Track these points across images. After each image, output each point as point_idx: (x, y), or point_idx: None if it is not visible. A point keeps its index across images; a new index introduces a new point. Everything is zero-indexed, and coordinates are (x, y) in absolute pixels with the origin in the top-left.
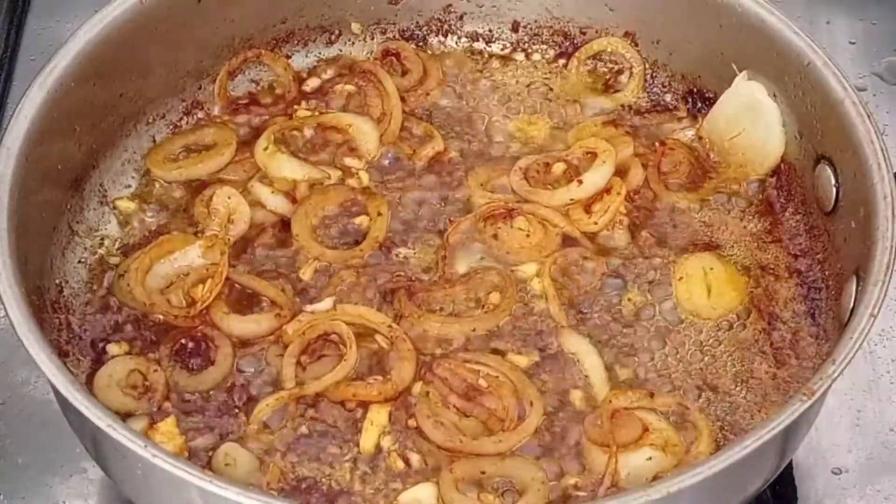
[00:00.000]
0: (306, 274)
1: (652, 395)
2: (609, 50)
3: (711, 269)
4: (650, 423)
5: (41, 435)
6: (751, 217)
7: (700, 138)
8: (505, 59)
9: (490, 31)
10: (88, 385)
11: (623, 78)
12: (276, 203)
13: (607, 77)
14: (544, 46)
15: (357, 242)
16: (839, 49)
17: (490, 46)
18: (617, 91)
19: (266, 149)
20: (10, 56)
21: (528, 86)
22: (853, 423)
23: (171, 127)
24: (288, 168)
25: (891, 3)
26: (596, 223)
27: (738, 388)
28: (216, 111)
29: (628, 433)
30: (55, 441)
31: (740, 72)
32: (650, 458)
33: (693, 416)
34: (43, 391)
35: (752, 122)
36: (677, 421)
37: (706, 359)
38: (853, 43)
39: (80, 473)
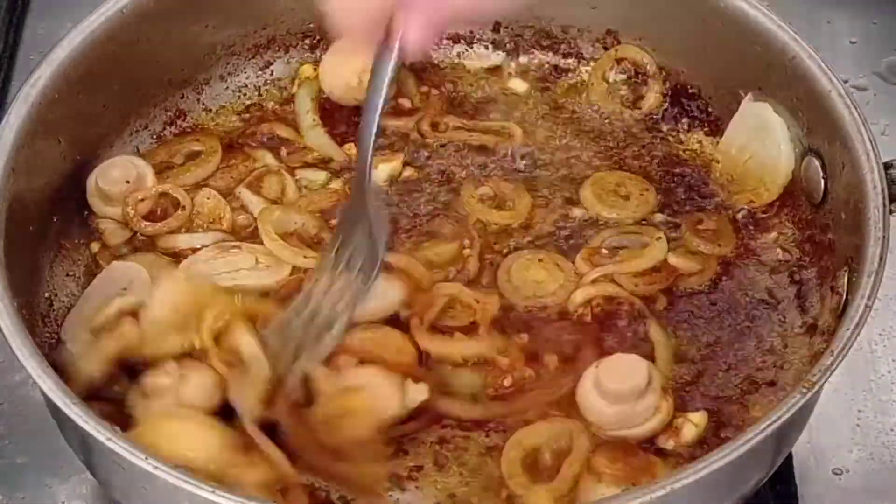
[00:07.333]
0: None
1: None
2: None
3: None
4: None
5: (40, 435)
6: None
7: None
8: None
9: (471, 32)
10: None
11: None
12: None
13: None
14: (535, 50)
15: None
16: (839, 49)
17: (472, 49)
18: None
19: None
20: (9, 56)
21: (526, 89)
22: (854, 424)
23: (154, 137)
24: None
25: (891, 2)
26: None
27: (733, 384)
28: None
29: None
30: (54, 442)
31: (727, 69)
32: None
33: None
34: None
35: (761, 142)
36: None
37: (701, 357)
38: (853, 43)
39: (79, 474)
